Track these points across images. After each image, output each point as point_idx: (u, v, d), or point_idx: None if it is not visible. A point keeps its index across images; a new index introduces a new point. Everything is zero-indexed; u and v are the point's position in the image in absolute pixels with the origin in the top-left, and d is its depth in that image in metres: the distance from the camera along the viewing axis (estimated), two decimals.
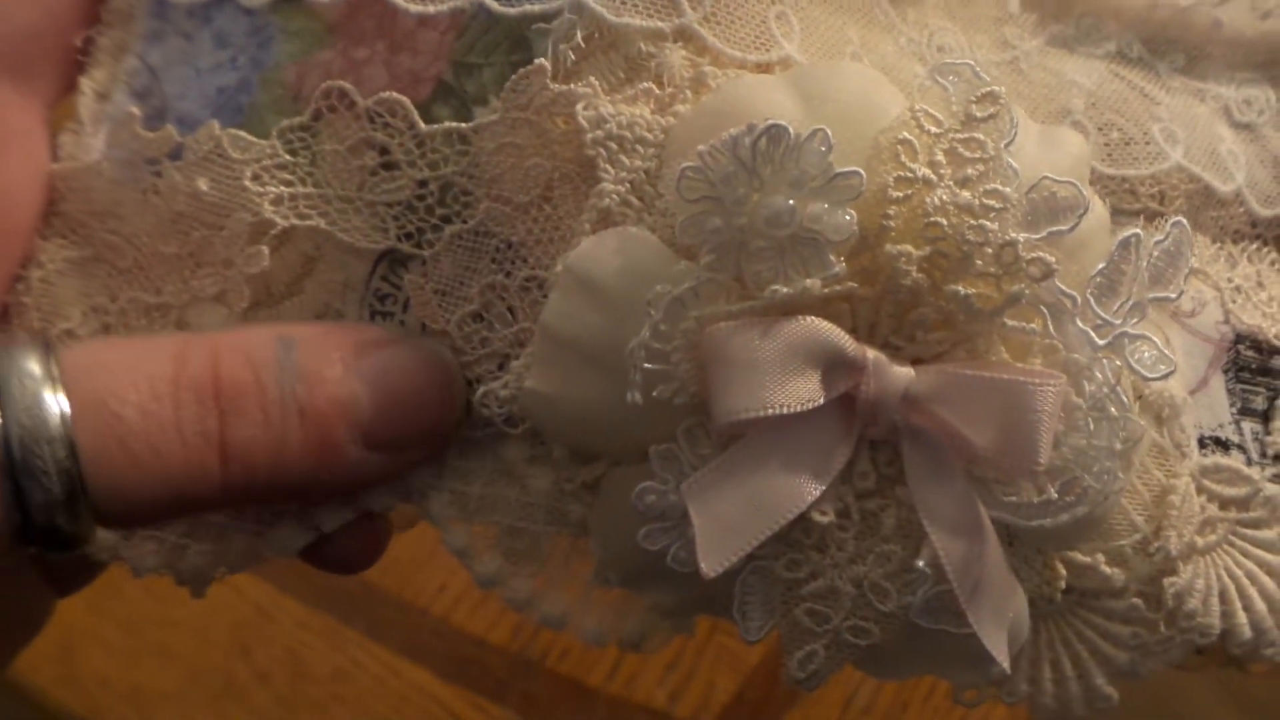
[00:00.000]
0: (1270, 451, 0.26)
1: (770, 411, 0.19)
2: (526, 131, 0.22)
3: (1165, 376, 0.22)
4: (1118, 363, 0.21)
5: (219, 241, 0.23)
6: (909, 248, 0.20)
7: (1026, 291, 0.20)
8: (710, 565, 0.20)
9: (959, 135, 0.20)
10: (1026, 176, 0.21)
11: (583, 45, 0.21)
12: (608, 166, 0.21)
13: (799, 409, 0.19)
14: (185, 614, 0.47)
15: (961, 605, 0.20)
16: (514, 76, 0.22)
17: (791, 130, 0.18)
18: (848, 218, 0.19)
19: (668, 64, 0.21)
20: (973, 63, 0.21)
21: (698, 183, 0.19)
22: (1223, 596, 0.24)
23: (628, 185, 0.21)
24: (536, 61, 0.21)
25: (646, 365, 0.19)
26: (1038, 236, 0.20)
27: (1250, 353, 0.26)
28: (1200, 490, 0.24)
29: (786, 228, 0.19)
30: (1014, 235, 0.20)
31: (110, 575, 0.27)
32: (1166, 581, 0.24)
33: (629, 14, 0.21)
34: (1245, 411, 0.26)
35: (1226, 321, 0.26)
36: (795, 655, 0.21)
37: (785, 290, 0.19)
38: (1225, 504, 0.25)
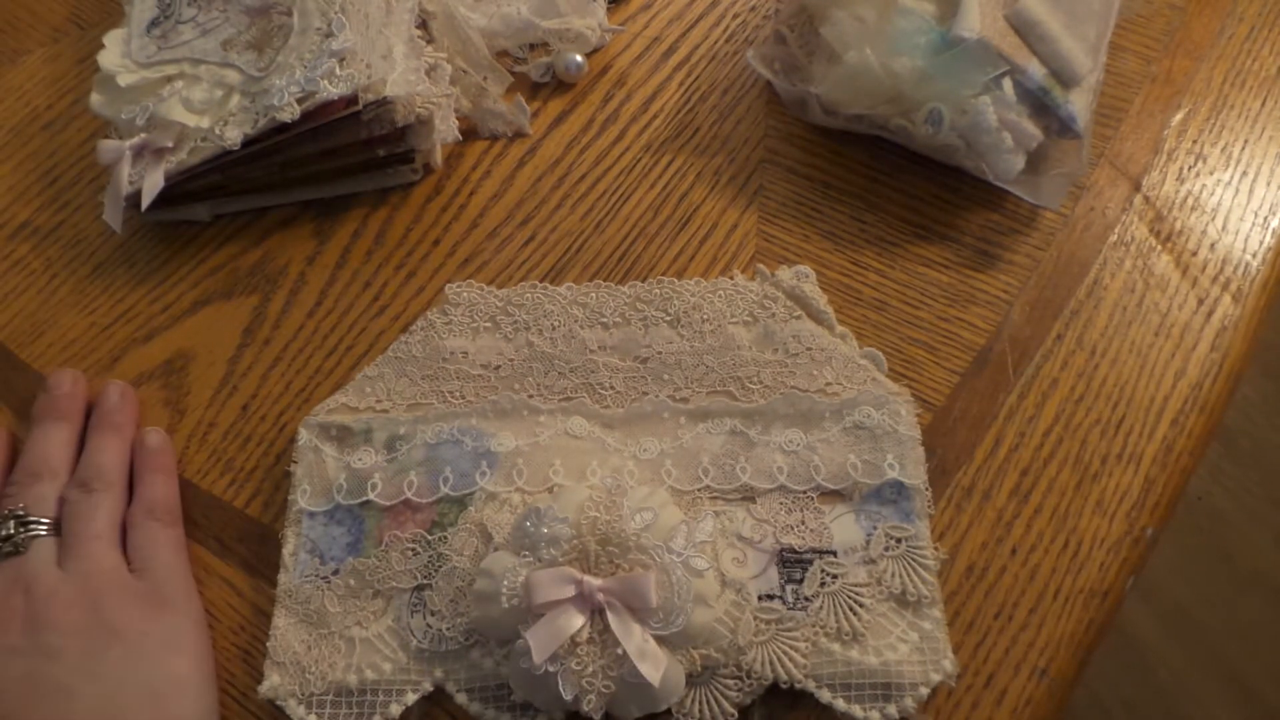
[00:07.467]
0: (802, 595, 0.59)
1: (554, 599, 0.54)
2: None
3: (704, 572, 0.57)
4: (705, 566, 0.56)
5: None
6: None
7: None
8: (539, 659, 0.54)
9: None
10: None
11: None
12: None
13: (561, 598, 0.54)
14: None
15: (646, 678, 0.54)
16: None
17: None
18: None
19: None
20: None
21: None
22: (771, 663, 0.57)
23: None
24: None
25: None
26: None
27: (791, 554, 0.61)
28: (756, 619, 0.58)
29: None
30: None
31: None
32: (743, 659, 0.57)
33: None
34: (789, 580, 0.60)
35: (778, 541, 0.61)
36: (583, 699, 0.55)
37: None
38: (768, 623, 0.58)
